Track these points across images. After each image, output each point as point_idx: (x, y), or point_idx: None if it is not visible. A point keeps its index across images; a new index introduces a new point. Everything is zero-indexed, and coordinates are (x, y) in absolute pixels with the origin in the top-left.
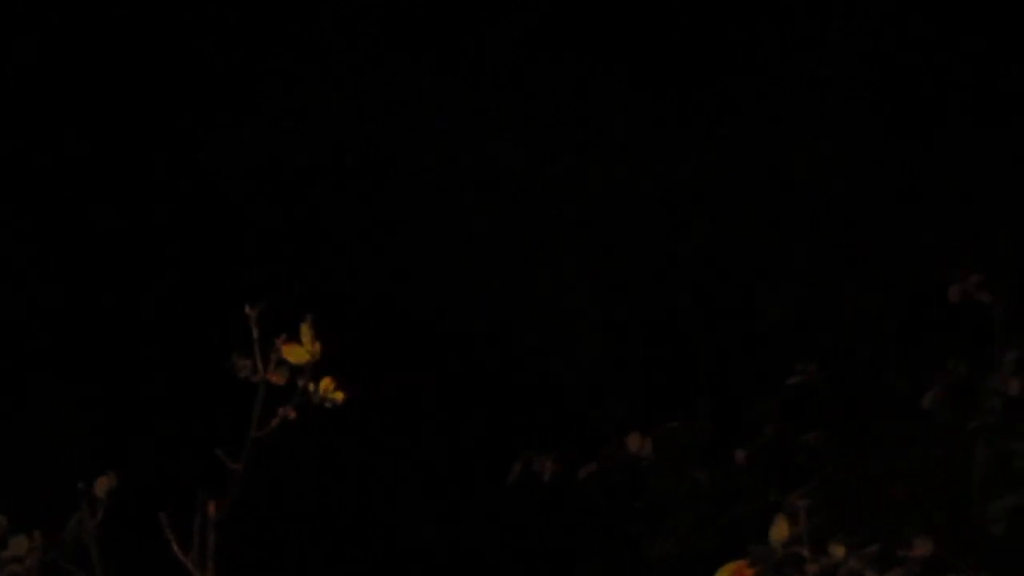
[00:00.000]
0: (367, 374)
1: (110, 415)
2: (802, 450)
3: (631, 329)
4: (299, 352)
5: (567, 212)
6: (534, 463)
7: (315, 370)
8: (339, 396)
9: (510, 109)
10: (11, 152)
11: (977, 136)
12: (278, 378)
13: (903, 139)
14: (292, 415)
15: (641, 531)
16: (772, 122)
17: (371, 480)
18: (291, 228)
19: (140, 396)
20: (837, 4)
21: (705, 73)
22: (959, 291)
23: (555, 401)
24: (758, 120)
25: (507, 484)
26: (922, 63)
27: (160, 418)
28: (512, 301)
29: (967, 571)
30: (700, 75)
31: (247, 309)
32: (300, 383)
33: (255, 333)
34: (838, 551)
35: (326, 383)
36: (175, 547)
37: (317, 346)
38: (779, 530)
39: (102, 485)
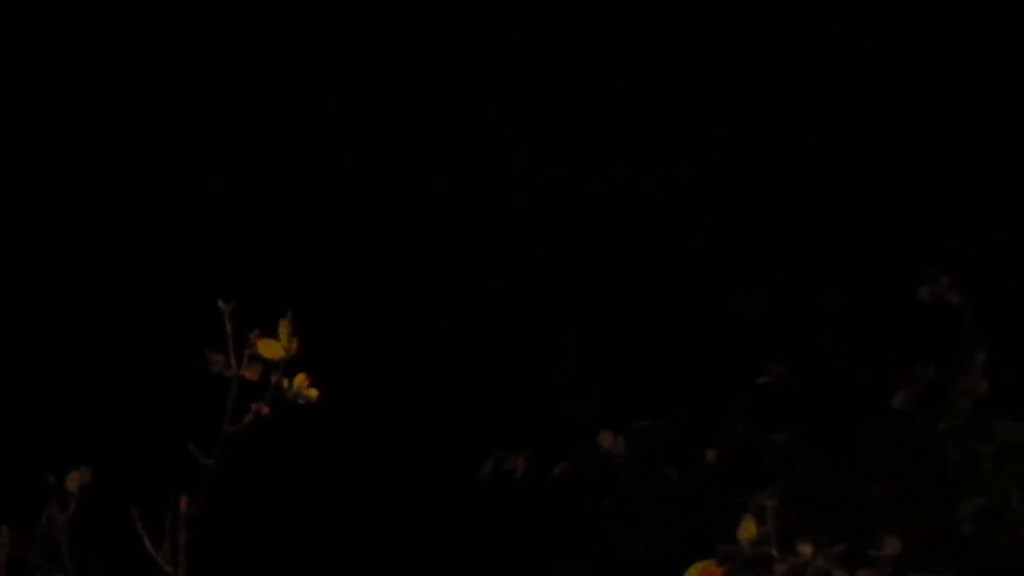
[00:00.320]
0: (340, 371)
1: (81, 410)
2: (771, 450)
3: (603, 327)
4: (274, 348)
5: (545, 211)
6: (506, 461)
7: (289, 366)
8: (313, 393)
9: (510, 109)
10: None
11: (976, 136)
12: (251, 374)
13: (900, 139)
14: (265, 411)
15: (612, 529)
16: (772, 122)
17: (343, 477)
18: (272, 223)
19: (112, 391)
20: (837, 4)
21: (705, 73)
22: (928, 292)
23: (527, 399)
24: (758, 120)
25: (478, 482)
26: (922, 63)
27: (132, 413)
28: (485, 299)
29: (937, 571)
30: (700, 75)
31: (220, 304)
32: (274, 379)
33: (229, 328)
34: (806, 550)
35: (300, 379)
36: (147, 543)
37: (294, 343)
38: (747, 529)
39: (73, 480)
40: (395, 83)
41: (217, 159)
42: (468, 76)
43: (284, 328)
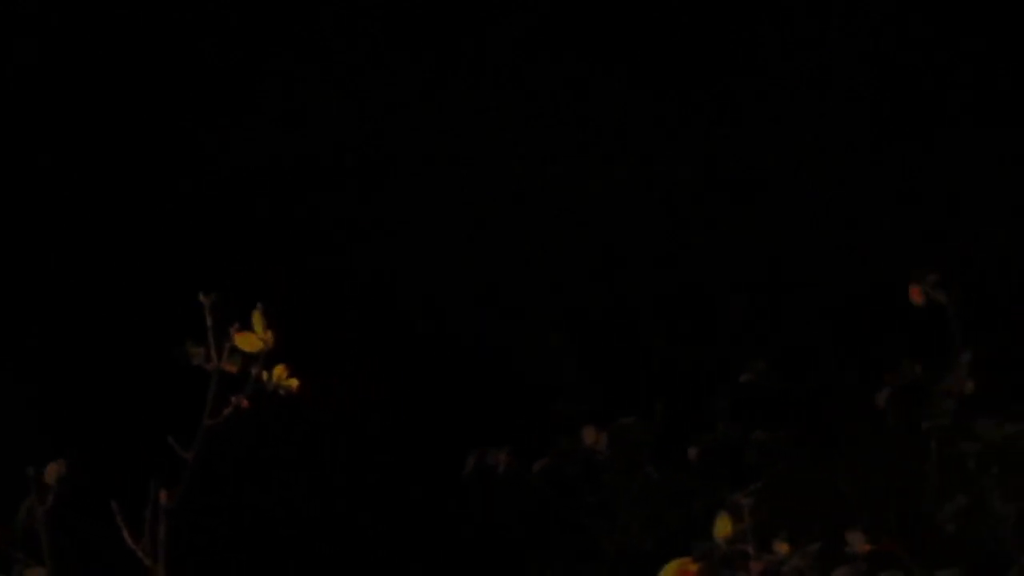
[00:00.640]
0: (325, 366)
1: (61, 402)
2: (753, 448)
3: (588, 325)
4: (251, 340)
5: (533, 209)
6: (488, 456)
7: (271, 360)
8: (293, 384)
9: (510, 109)
10: None
11: (966, 136)
12: (231, 367)
13: (889, 139)
14: (245, 404)
15: (594, 526)
16: (772, 122)
17: (325, 471)
18: (259, 219)
19: (91, 384)
20: (837, 4)
21: (705, 73)
22: (915, 291)
23: (510, 395)
24: (758, 120)
25: (461, 477)
26: (922, 63)
27: (112, 406)
28: (470, 296)
29: (917, 568)
30: (700, 75)
31: (201, 297)
32: (253, 371)
33: (209, 321)
34: (782, 548)
35: (279, 371)
36: (126, 536)
37: (270, 334)
38: (722, 527)
39: (52, 472)
40: (395, 83)
41: (212, 156)
42: (468, 76)
43: (258, 319)
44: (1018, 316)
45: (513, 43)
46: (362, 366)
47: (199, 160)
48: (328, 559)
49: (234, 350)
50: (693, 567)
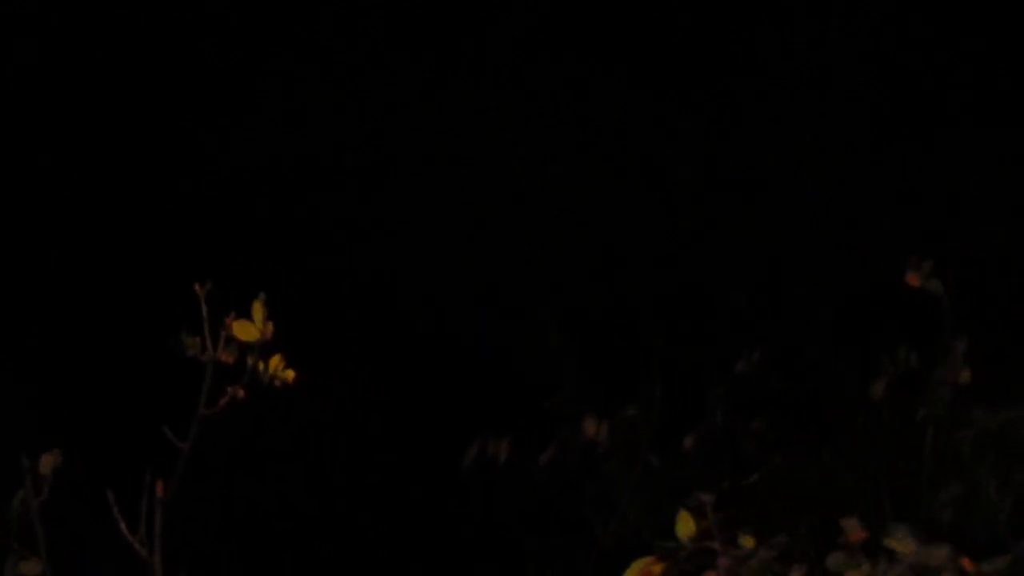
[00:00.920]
0: (322, 358)
1: (56, 393)
2: (751, 438)
3: (586, 319)
4: (249, 330)
5: (529, 203)
6: (489, 447)
7: (271, 354)
8: (289, 375)
9: (510, 109)
10: None
11: (961, 131)
12: (227, 357)
13: (885, 134)
14: (241, 394)
15: (592, 516)
16: (772, 122)
17: (323, 465)
18: (258, 214)
19: (87, 374)
20: (837, 4)
21: (705, 73)
22: (910, 279)
23: (511, 387)
24: (758, 120)
25: (462, 468)
26: (922, 63)
27: (107, 396)
28: (470, 289)
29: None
30: (700, 75)
31: (196, 287)
32: (250, 361)
33: (204, 312)
34: (747, 543)
35: (275, 361)
36: (123, 527)
37: (269, 325)
38: (684, 526)
39: (47, 462)
40: (395, 83)
41: (212, 156)
42: (468, 76)
43: (258, 309)
44: (1013, 307)
45: (513, 43)
46: (361, 361)
47: (199, 160)
48: (325, 553)
49: (230, 340)
50: (657, 567)
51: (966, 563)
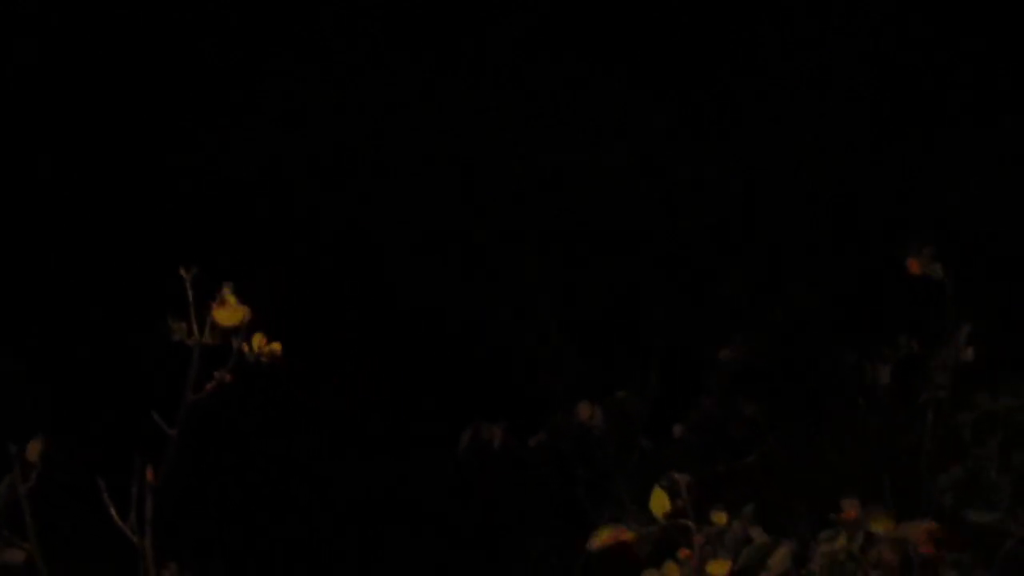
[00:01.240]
0: (318, 343)
1: (45, 379)
2: (746, 422)
3: (581, 301)
4: (228, 314)
5: (525, 188)
6: (483, 431)
7: (258, 335)
8: (276, 347)
9: (510, 109)
10: None
11: (961, 118)
12: (213, 339)
13: (885, 121)
14: (228, 378)
15: (586, 500)
16: (772, 122)
17: (317, 447)
18: (250, 204)
19: (74, 361)
20: (837, 4)
21: (705, 73)
22: (911, 263)
23: (505, 370)
24: (758, 120)
25: (457, 452)
26: (922, 63)
27: (95, 382)
28: (464, 274)
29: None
30: (700, 75)
31: (182, 271)
32: (235, 344)
33: (190, 296)
34: (719, 519)
35: (258, 339)
36: (113, 513)
37: (244, 308)
38: (659, 503)
39: (34, 449)
40: (395, 83)
41: (211, 153)
42: (468, 76)
43: (228, 294)
44: (1014, 291)
45: (513, 43)
46: (355, 346)
47: (198, 156)
48: (318, 534)
49: (215, 325)
50: (628, 535)
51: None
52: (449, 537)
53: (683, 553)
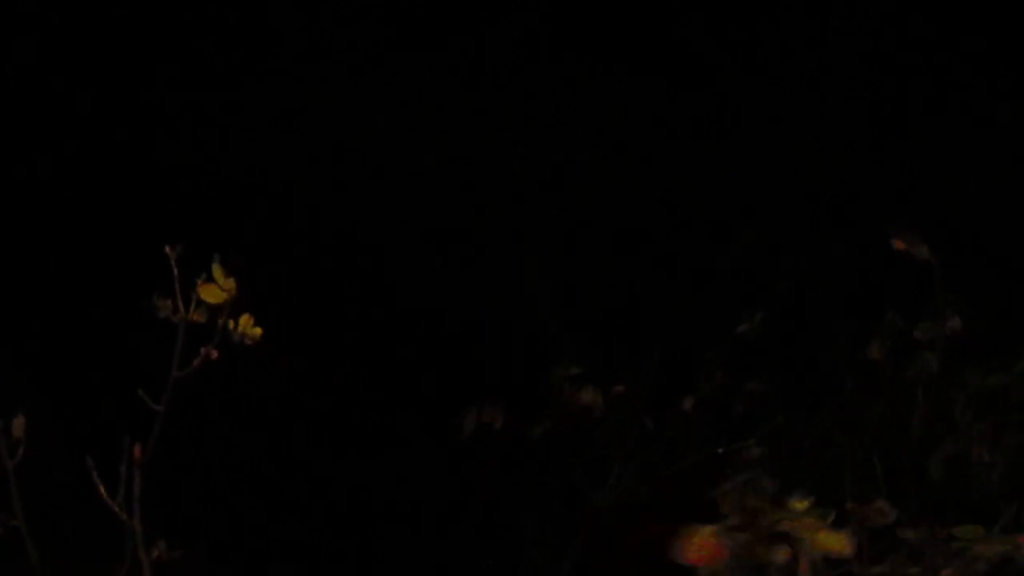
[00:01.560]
0: (320, 328)
1: (33, 357)
2: (746, 400)
3: (583, 280)
4: (215, 292)
5: (528, 174)
6: (485, 414)
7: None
8: (257, 332)
9: (510, 109)
10: None
11: (975, 136)
12: (199, 317)
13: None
14: (214, 355)
15: (586, 481)
16: (772, 122)
17: (316, 431)
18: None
19: (61, 338)
20: (837, 4)
21: (705, 73)
22: (899, 243)
23: (506, 352)
24: (758, 120)
25: (460, 437)
26: (922, 63)
27: (81, 360)
28: (466, 258)
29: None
30: (700, 75)
31: (167, 249)
32: (220, 321)
33: (175, 273)
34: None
35: (244, 320)
36: (102, 491)
37: (231, 282)
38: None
39: (19, 425)
40: (395, 83)
41: (211, 153)
42: (468, 76)
43: (217, 271)
44: (1006, 270)
45: (513, 43)
46: (356, 338)
47: (199, 159)
48: (308, 514)
49: (200, 302)
50: (721, 544)
51: None
52: (447, 519)
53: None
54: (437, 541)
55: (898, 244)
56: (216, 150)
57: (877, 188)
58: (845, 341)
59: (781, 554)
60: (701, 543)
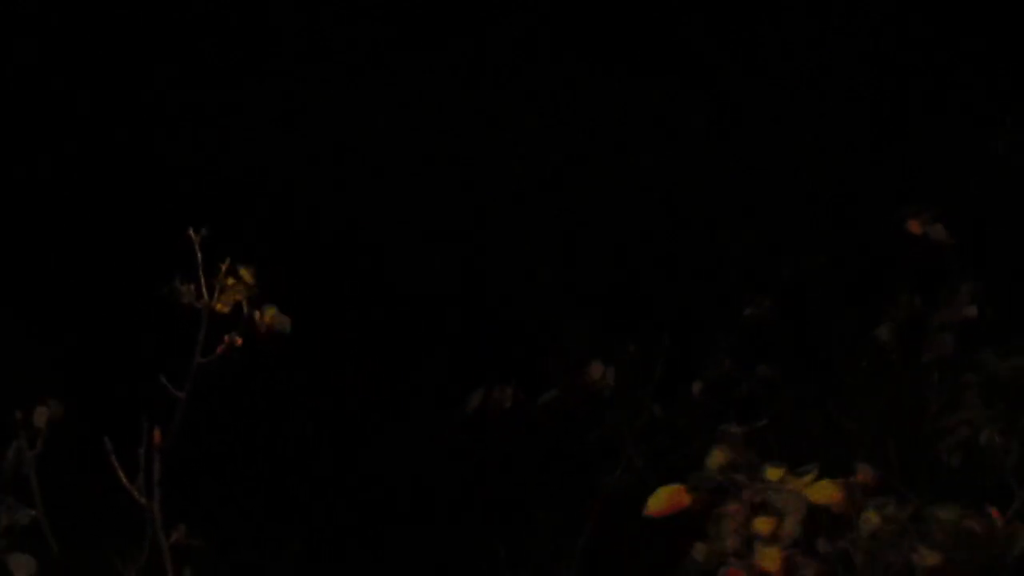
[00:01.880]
0: (332, 308)
1: (53, 343)
2: (756, 383)
3: (591, 262)
4: (240, 283)
5: (538, 157)
6: (494, 393)
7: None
8: (286, 321)
9: (510, 109)
10: None
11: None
12: (223, 306)
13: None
14: (239, 342)
15: (596, 462)
16: (772, 122)
17: (329, 411)
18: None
19: (82, 324)
20: (837, 4)
21: (705, 72)
22: (913, 225)
23: (516, 332)
24: (758, 120)
25: (465, 413)
26: (922, 63)
27: (104, 345)
28: (475, 235)
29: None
30: (700, 74)
31: (191, 233)
32: (245, 310)
33: (199, 259)
34: (774, 475)
35: (271, 311)
36: (121, 476)
37: (251, 274)
38: (716, 457)
39: (40, 415)
40: (395, 83)
41: (211, 153)
42: (468, 76)
43: (245, 273)
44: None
45: (513, 43)
46: (367, 304)
47: (199, 159)
48: (328, 496)
49: (224, 289)
50: (686, 497)
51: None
52: (458, 504)
53: (732, 509)
54: (448, 527)
55: (913, 226)
56: (216, 150)
57: (877, 188)
58: (854, 324)
59: (765, 523)
60: (664, 497)
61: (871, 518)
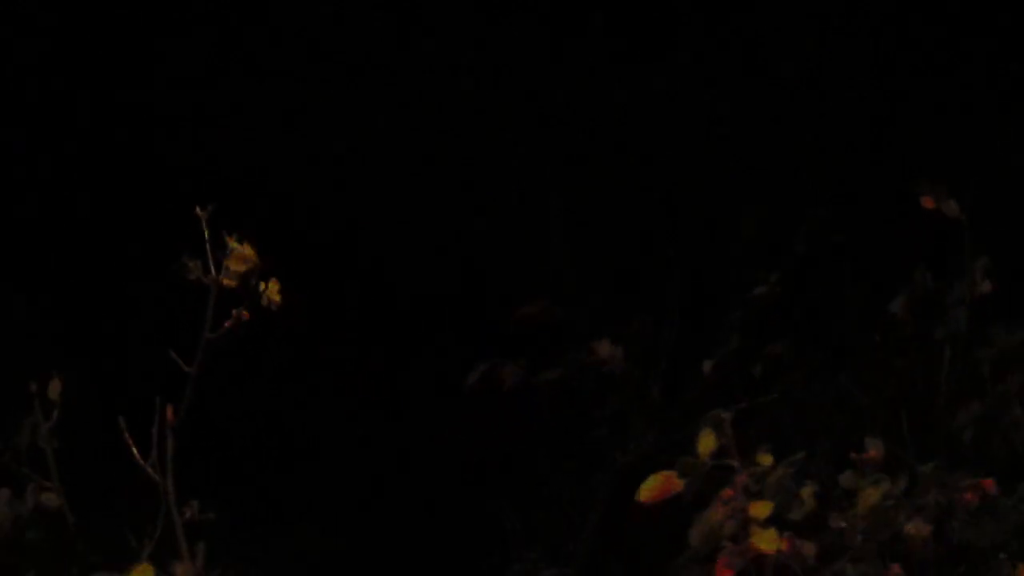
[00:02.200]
0: (331, 283)
1: (64, 319)
2: (766, 361)
3: (599, 238)
4: (243, 257)
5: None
6: (497, 369)
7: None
8: (276, 298)
9: (510, 109)
10: None
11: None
12: (230, 281)
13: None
14: (246, 316)
15: (605, 440)
16: (773, 122)
17: (334, 388)
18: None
19: (91, 300)
20: (837, 4)
21: (705, 72)
22: (926, 199)
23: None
24: (758, 120)
25: (466, 389)
26: (922, 63)
27: (114, 321)
28: (480, 206)
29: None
30: (700, 73)
31: (198, 210)
32: (251, 282)
33: (206, 234)
34: (765, 460)
35: (273, 285)
36: (134, 452)
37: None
38: (706, 442)
39: (55, 388)
40: (395, 83)
41: (213, 155)
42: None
43: (247, 247)
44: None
45: (513, 43)
46: (368, 279)
47: (199, 159)
48: (333, 473)
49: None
50: (678, 482)
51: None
52: (467, 480)
53: (726, 493)
54: (458, 503)
55: (926, 202)
56: (216, 150)
57: (877, 188)
58: (866, 300)
59: (761, 508)
60: (656, 483)
61: (871, 494)
